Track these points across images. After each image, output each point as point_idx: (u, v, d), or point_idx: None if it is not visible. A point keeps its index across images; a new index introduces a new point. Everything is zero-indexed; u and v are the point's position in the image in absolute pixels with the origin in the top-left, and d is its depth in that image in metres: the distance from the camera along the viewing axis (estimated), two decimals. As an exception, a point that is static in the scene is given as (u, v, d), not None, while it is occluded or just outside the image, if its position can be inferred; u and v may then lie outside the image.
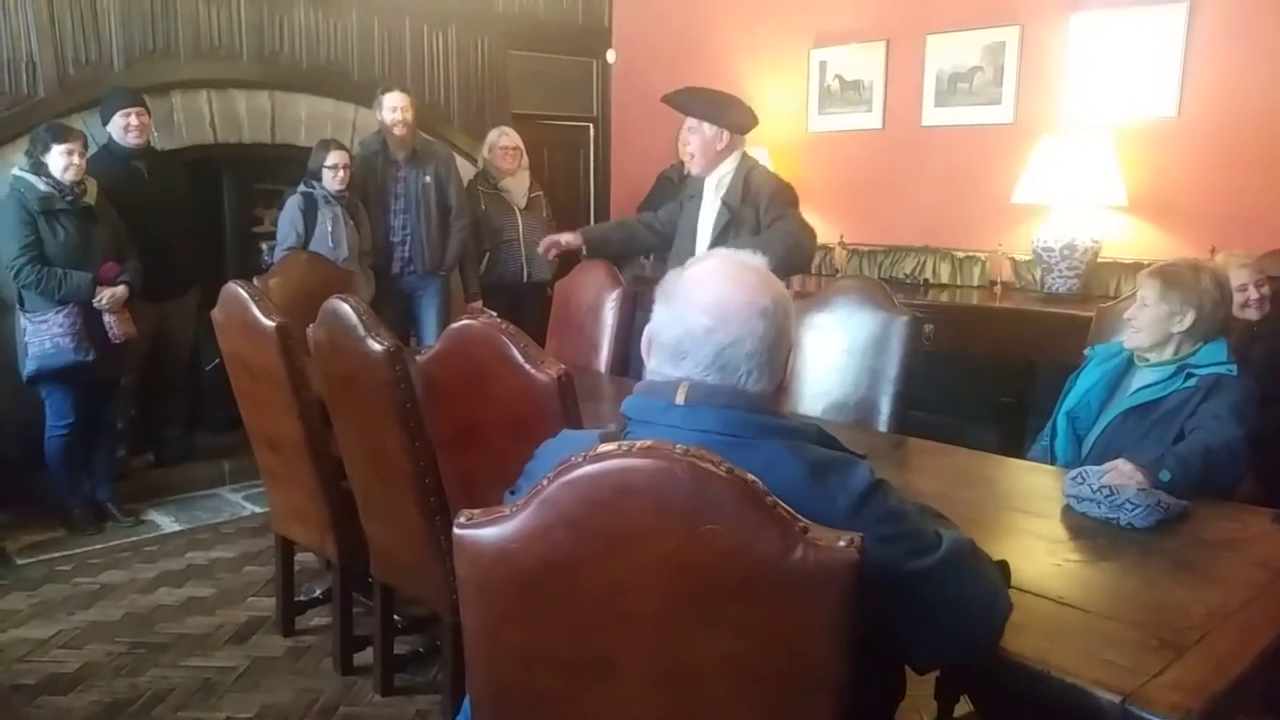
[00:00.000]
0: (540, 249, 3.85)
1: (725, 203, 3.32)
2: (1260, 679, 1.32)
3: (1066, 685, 1.26)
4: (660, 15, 5.72)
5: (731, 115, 3.30)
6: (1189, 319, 2.26)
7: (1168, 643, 1.35)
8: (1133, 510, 1.78)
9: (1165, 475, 1.94)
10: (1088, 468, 1.95)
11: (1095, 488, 1.84)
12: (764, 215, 3.27)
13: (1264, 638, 1.38)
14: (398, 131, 4.53)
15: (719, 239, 3.28)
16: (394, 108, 4.49)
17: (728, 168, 3.34)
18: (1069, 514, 1.88)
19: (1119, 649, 1.34)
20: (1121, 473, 1.91)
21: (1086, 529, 1.81)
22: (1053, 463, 2.43)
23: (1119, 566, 1.66)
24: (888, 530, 1.17)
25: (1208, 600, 1.49)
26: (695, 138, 3.32)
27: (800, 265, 3.38)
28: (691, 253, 3.33)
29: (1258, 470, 2.21)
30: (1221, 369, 2.22)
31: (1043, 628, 1.40)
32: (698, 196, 3.44)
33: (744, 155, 3.37)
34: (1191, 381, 2.24)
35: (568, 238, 3.76)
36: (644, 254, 4.32)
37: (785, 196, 3.32)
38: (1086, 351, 2.56)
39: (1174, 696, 1.21)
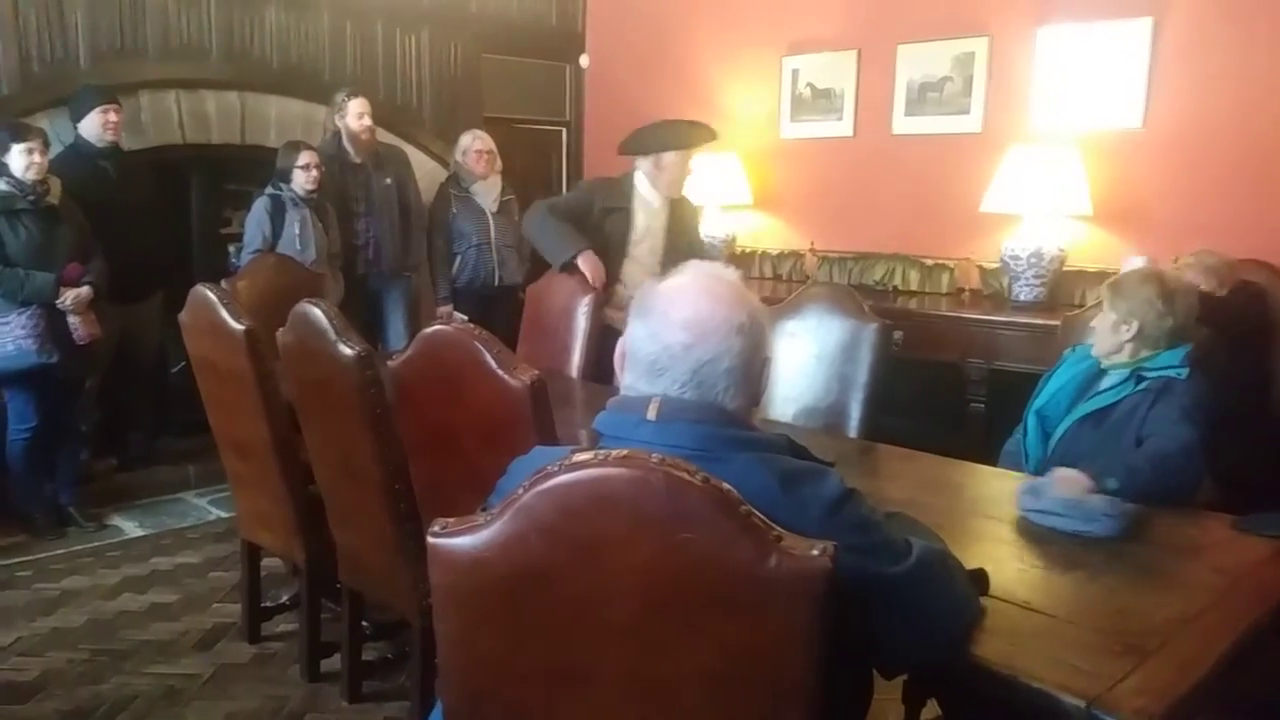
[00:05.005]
0: None
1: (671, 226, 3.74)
2: (1220, 682, 1.35)
3: (1033, 690, 1.28)
4: (633, 21, 5.74)
5: None
6: (1134, 328, 2.31)
7: (1131, 647, 1.37)
8: (1105, 521, 1.78)
9: (1112, 484, 1.94)
10: (1037, 480, 1.96)
11: (1058, 501, 1.84)
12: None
13: (1224, 642, 1.41)
14: (364, 137, 4.54)
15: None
16: (359, 114, 4.52)
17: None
18: (1035, 521, 1.90)
19: (1083, 654, 1.36)
20: (1071, 481, 1.91)
21: (1051, 536, 1.82)
22: (1025, 459, 2.46)
23: (1083, 573, 1.68)
24: (859, 539, 1.18)
25: (1170, 605, 1.52)
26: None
27: None
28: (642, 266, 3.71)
29: (1216, 473, 2.24)
30: (1171, 372, 2.26)
31: (1009, 632, 1.42)
32: (626, 210, 3.71)
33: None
34: (1142, 385, 2.27)
35: None
36: None
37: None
38: (1065, 352, 2.60)
39: (1138, 701, 1.24)
